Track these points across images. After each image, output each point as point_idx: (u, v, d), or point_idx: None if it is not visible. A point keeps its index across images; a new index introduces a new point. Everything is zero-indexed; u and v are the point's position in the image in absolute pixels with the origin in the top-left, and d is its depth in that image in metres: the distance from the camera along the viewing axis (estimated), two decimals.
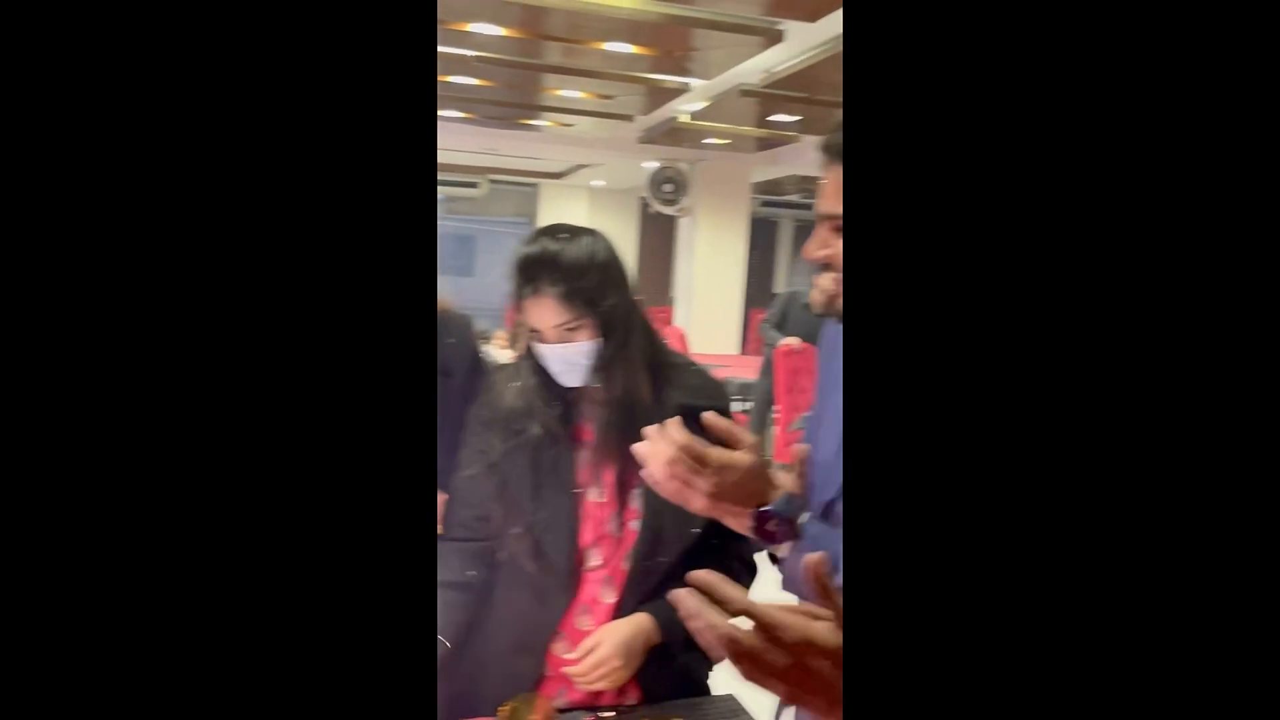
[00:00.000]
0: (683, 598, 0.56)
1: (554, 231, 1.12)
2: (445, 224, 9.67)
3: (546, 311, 1.08)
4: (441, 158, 7.33)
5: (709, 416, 0.90)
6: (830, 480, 0.94)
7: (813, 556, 0.57)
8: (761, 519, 0.88)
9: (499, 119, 6.05)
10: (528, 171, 9.03)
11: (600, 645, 1.09)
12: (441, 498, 1.18)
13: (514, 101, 5.50)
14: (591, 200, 10.02)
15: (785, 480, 0.91)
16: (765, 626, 0.56)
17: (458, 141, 6.54)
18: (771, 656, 0.56)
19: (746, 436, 0.90)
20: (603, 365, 1.11)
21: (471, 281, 10.40)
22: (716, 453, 0.87)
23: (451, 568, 1.14)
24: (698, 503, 0.87)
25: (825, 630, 0.56)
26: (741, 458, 0.88)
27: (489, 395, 1.18)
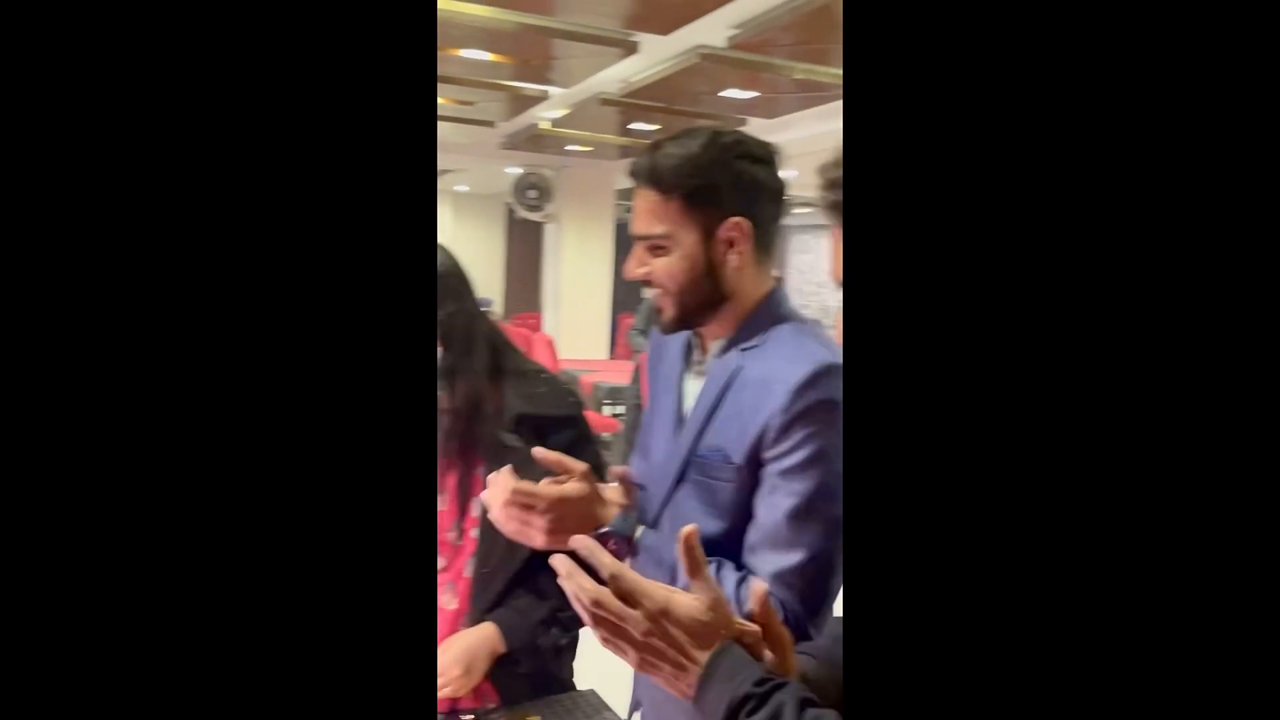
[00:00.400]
0: (557, 560, 0.60)
1: None
2: None
3: None
4: None
5: (536, 452, 0.93)
6: (660, 487, 1.00)
7: (687, 529, 0.61)
8: (600, 541, 0.91)
9: None
10: None
11: (441, 655, 1.11)
12: None
13: None
14: (455, 205, 9.87)
15: (615, 498, 0.95)
16: (629, 594, 0.60)
17: None
18: (631, 623, 0.60)
19: (575, 465, 0.93)
20: (444, 375, 1.12)
21: None
22: (545, 489, 0.89)
23: None
24: (538, 540, 0.89)
25: (684, 601, 0.61)
26: (571, 488, 0.90)
27: None
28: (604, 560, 0.61)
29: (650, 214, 0.93)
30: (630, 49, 3.75)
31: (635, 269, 0.96)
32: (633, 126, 5.45)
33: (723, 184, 0.91)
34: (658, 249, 0.94)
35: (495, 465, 1.13)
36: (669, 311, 0.96)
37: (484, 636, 1.12)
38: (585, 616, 0.60)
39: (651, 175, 0.92)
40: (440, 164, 7.59)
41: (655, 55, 3.95)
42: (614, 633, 0.60)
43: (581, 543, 0.61)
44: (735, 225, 0.92)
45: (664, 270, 0.94)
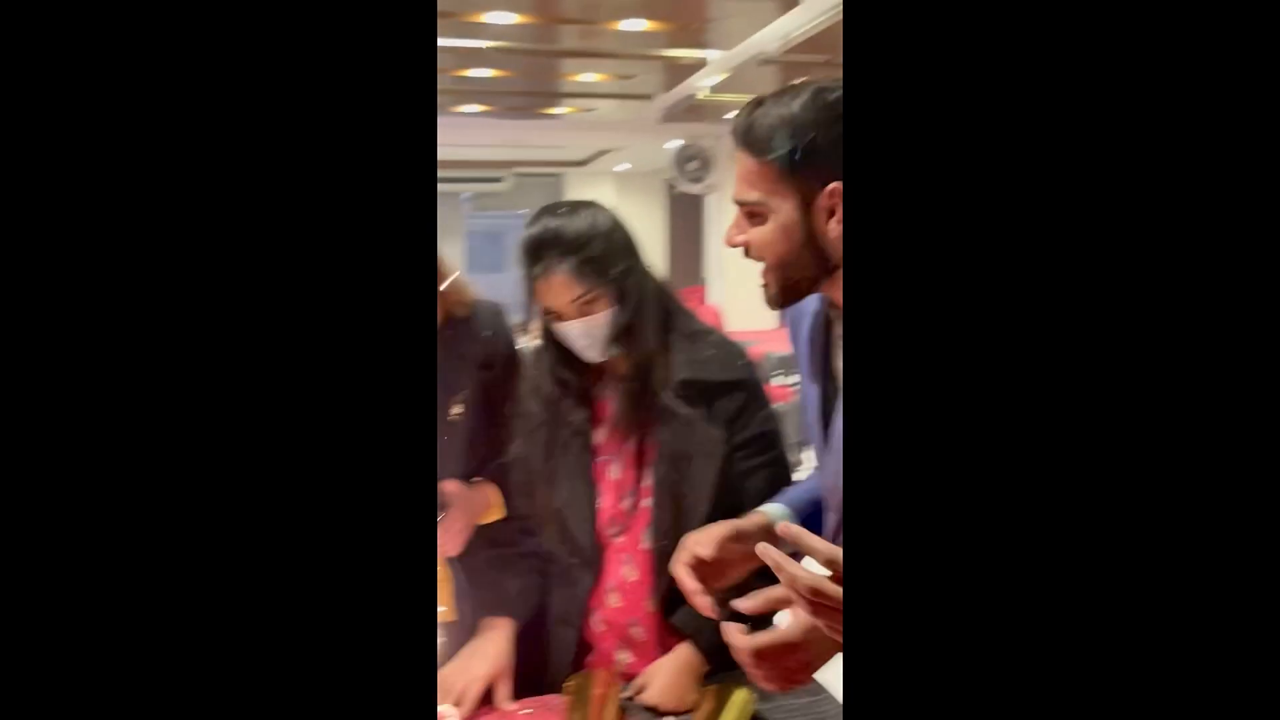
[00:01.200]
0: (766, 551, 0.57)
1: (553, 209, 1.11)
2: (473, 222, 9.71)
3: (560, 289, 1.07)
4: (464, 154, 7.35)
5: (782, 529, 0.69)
6: (830, 466, 0.91)
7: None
8: None
9: (519, 110, 6.04)
10: (551, 162, 9.03)
11: (647, 691, 1.08)
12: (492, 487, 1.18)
13: (532, 90, 5.48)
14: (617, 185, 9.98)
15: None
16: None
17: (479, 136, 6.54)
18: None
19: (823, 548, 0.68)
20: (620, 334, 1.08)
21: (502, 277, 10.42)
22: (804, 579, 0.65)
23: (514, 542, 1.17)
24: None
25: None
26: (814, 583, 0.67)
27: (521, 382, 1.18)
28: (816, 545, 0.55)
29: (745, 179, 0.85)
30: (790, 2, 3.58)
31: (734, 236, 0.88)
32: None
33: (823, 146, 0.80)
34: (755, 216, 0.85)
35: (667, 431, 1.10)
36: (771, 285, 0.87)
37: (686, 662, 1.09)
38: (804, 606, 0.57)
39: (746, 137, 0.83)
40: (602, 144, 7.68)
41: (815, 8, 3.75)
42: (837, 619, 0.57)
43: (785, 530, 0.56)
44: (836, 192, 0.81)
45: (760, 240, 0.85)
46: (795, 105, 0.81)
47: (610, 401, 1.15)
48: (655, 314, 1.10)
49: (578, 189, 9.87)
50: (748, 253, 0.87)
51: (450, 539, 1.10)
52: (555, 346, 1.13)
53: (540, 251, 1.07)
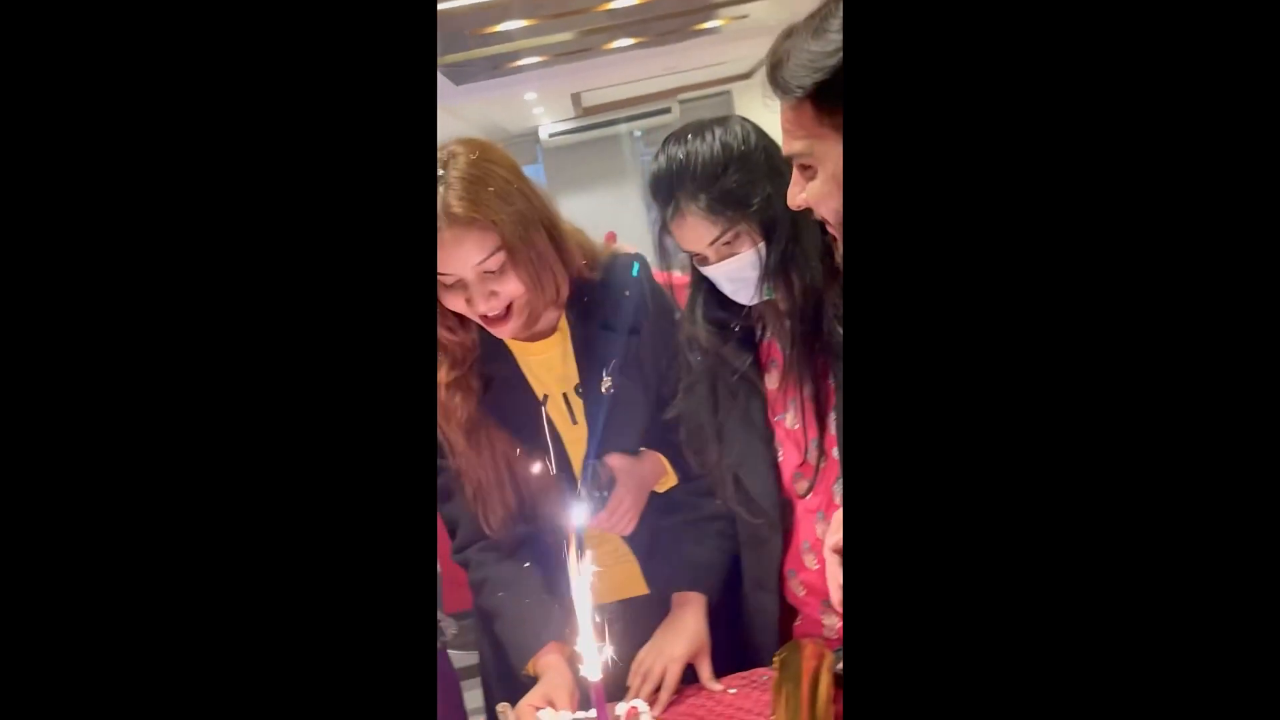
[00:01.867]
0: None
1: (679, 135, 0.97)
2: (647, 158, 9.64)
3: (695, 230, 0.94)
4: (624, 91, 7.24)
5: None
6: None
7: None
8: None
9: (672, 34, 5.81)
10: (715, 81, 8.69)
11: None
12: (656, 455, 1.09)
13: (680, 10, 5.23)
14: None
15: None
16: None
17: (636, 70, 6.38)
18: None
19: None
20: (775, 272, 0.94)
21: None
22: None
23: (695, 506, 1.09)
24: None
25: None
26: None
27: (678, 334, 1.07)
28: None
29: (787, 127, 0.72)
30: None
31: (796, 197, 0.75)
32: None
33: None
34: (806, 169, 0.73)
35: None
36: (840, 244, 0.75)
37: None
38: None
39: (776, 76, 0.71)
40: (762, 50, 7.27)
41: None
42: None
43: None
44: None
45: (815, 197, 0.72)
46: (832, 29, 0.68)
47: (777, 343, 1.02)
48: (815, 240, 0.94)
49: (747, 104, 9.47)
50: (812, 214, 0.76)
51: (620, 517, 1.03)
52: (707, 288, 1.00)
53: (668, 190, 0.94)
